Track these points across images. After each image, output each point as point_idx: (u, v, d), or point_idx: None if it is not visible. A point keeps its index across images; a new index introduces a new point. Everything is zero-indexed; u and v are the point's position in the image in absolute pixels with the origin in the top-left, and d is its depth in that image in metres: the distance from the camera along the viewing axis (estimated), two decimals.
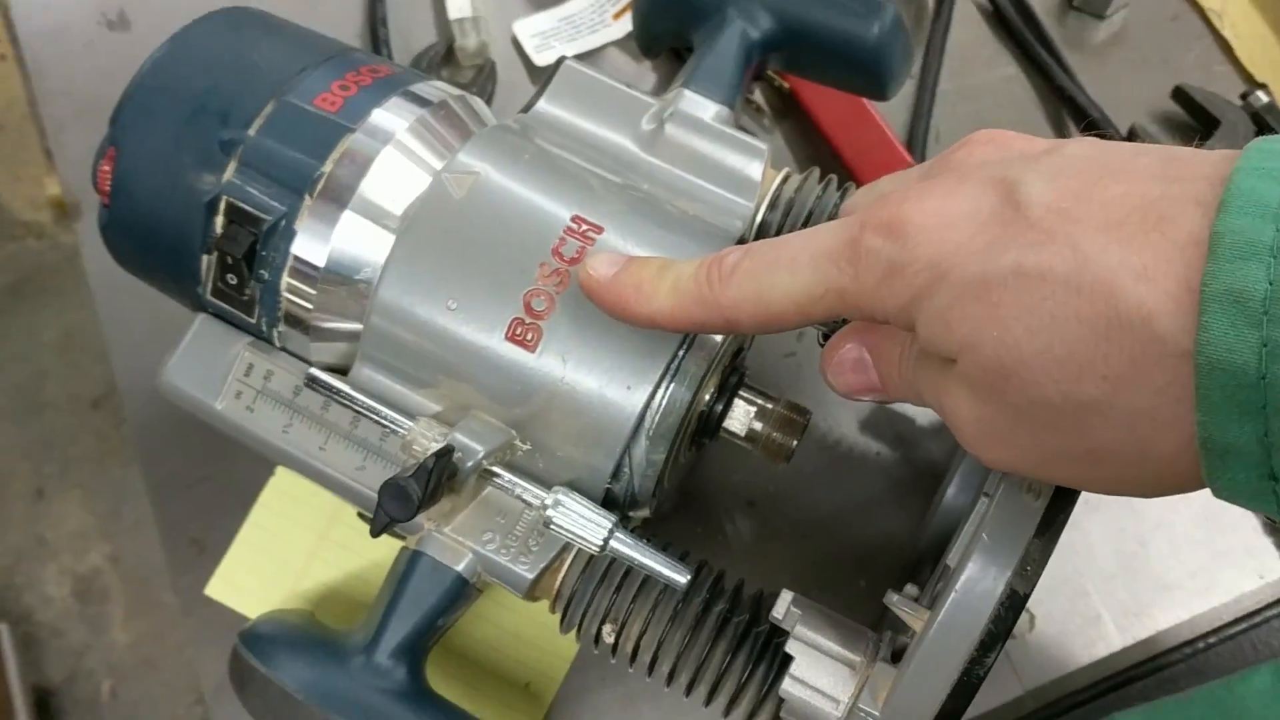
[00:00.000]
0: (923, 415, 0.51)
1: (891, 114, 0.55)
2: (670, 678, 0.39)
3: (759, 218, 0.42)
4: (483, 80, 0.57)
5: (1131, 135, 0.54)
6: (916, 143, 0.54)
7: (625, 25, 0.57)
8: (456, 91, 0.42)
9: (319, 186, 0.38)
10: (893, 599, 0.32)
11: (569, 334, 0.37)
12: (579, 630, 0.39)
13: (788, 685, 0.33)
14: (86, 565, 1.41)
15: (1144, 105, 0.56)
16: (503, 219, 0.38)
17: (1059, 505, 0.30)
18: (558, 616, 0.40)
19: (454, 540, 0.39)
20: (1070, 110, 0.56)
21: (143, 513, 1.39)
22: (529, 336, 0.37)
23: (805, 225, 0.42)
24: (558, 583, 0.39)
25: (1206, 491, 0.25)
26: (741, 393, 0.41)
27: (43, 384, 1.48)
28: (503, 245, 0.38)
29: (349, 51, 0.43)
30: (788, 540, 0.49)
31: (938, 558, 0.46)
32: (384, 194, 0.39)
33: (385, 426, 0.39)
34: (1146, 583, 0.48)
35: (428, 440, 0.37)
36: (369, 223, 0.38)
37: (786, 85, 0.55)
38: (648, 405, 0.37)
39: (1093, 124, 0.54)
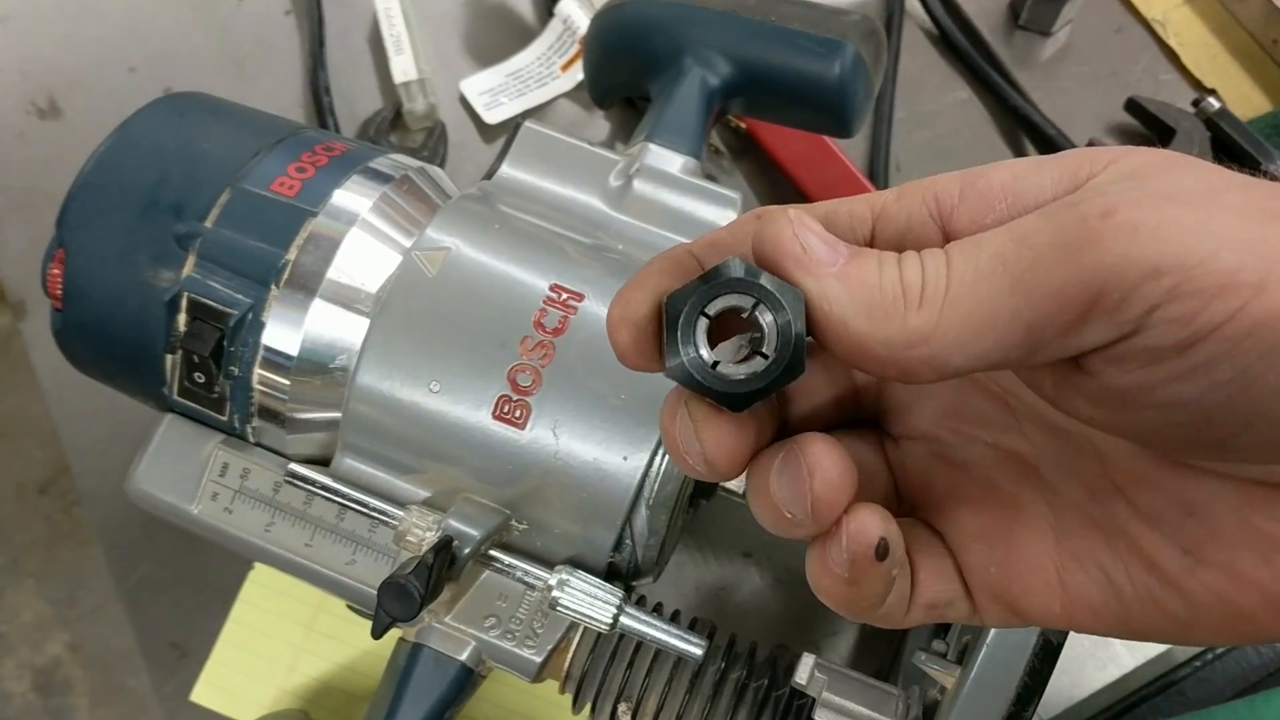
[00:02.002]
0: None
1: (850, 146, 0.54)
2: None
3: None
4: (434, 143, 0.55)
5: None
6: (878, 173, 0.54)
7: (574, 76, 0.56)
8: (415, 164, 0.41)
9: (285, 275, 0.37)
10: (921, 658, 0.32)
11: (559, 408, 0.36)
12: (592, 710, 0.38)
13: None
14: (46, 656, 1.36)
15: (1097, 118, 0.56)
16: (479, 294, 0.37)
17: None
18: (568, 697, 0.39)
19: (456, 629, 0.38)
20: (1025, 129, 0.56)
21: (101, 597, 1.35)
22: (517, 414, 0.36)
23: None
24: (566, 663, 0.38)
25: None
26: None
27: None
28: (482, 321, 0.37)
29: (300, 130, 0.41)
30: (787, 588, 0.48)
31: None
32: (354, 277, 0.37)
33: (374, 518, 0.37)
34: None
35: (422, 530, 0.36)
36: (341, 308, 0.37)
37: (744, 126, 0.54)
38: (646, 473, 0.36)
39: (1050, 142, 0.54)
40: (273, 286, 0.37)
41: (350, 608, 0.45)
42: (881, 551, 0.22)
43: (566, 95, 0.57)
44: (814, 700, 0.35)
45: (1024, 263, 0.20)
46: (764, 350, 0.21)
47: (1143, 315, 0.20)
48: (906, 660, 0.45)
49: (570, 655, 0.38)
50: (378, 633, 0.34)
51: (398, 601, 0.33)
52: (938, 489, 0.26)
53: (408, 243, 0.38)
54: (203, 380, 0.38)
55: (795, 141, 0.53)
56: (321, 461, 0.39)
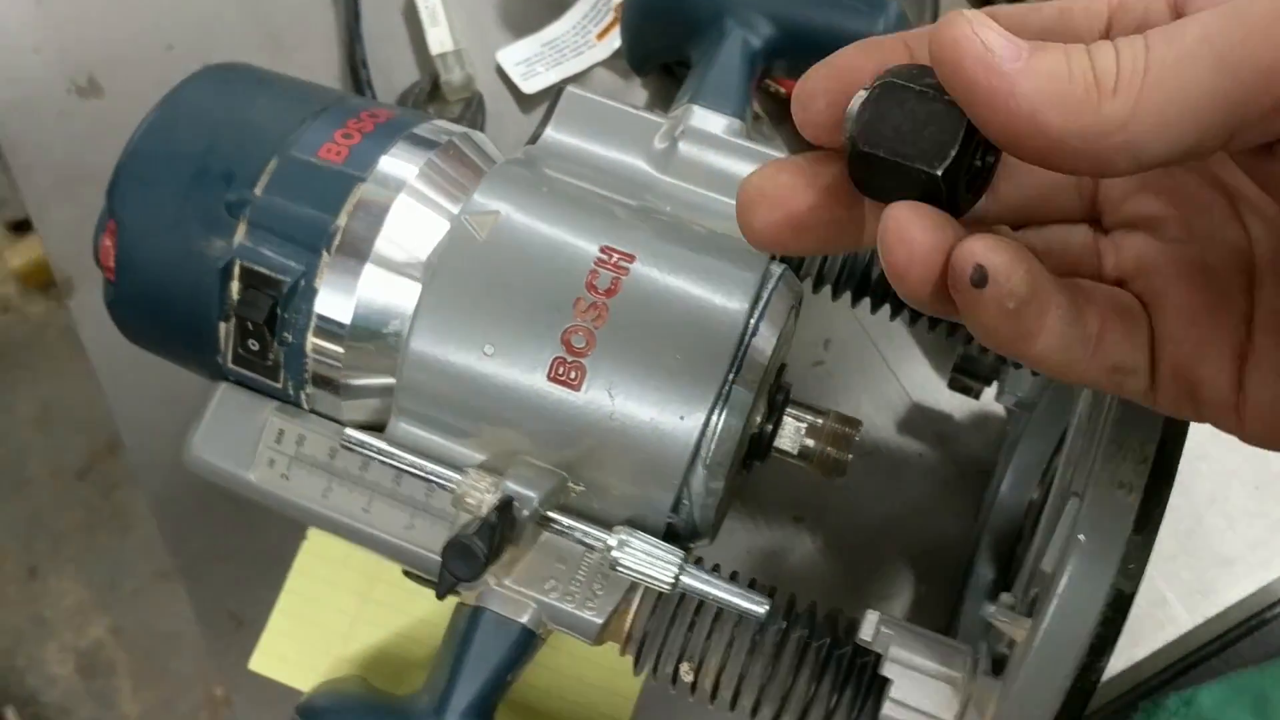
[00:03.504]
0: (959, 410, 0.50)
1: None
2: (754, 712, 0.37)
3: None
4: (471, 113, 0.55)
5: None
6: None
7: (610, 45, 0.56)
8: (459, 129, 0.41)
9: (336, 241, 0.37)
10: (990, 610, 0.31)
11: (614, 368, 0.36)
12: (654, 671, 0.38)
13: (889, 710, 0.32)
14: (88, 640, 1.38)
15: None
16: (530, 257, 0.37)
17: (1153, 499, 0.29)
18: (629, 659, 0.39)
19: (516, 592, 0.38)
20: None
21: (142, 580, 1.37)
22: (572, 375, 0.36)
23: None
24: (627, 625, 0.38)
25: (1258, 462, 0.24)
26: (789, 410, 0.40)
27: (24, 460, 1.44)
28: (534, 284, 0.36)
29: (345, 98, 0.41)
30: (839, 552, 0.48)
31: (1003, 556, 0.45)
32: (404, 242, 0.37)
33: (431, 482, 0.37)
34: (1207, 560, 0.47)
35: (480, 492, 0.36)
36: (392, 274, 0.37)
37: (783, 90, 0.54)
38: (703, 433, 0.36)
39: None
40: (324, 253, 0.37)
41: (406, 574, 0.45)
42: (977, 278, 0.22)
43: (602, 64, 0.56)
44: (878, 658, 0.35)
45: (1233, 40, 0.20)
46: None
47: None
48: (965, 620, 0.45)
49: (631, 617, 0.38)
50: (441, 593, 0.35)
51: (462, 561, 0.33)
52: (1149, 264, 0.26)
53: (455, 208, 0.38)
54: (257, 348, 0.38)
55: None
56: (376, 427, 0.39)
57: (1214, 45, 0.20)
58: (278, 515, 0.49)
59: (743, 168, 0.41)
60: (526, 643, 0.38)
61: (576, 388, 0.36)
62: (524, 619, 0.38)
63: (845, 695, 0.36)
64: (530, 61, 0.56)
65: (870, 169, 0.24)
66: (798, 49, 0.44)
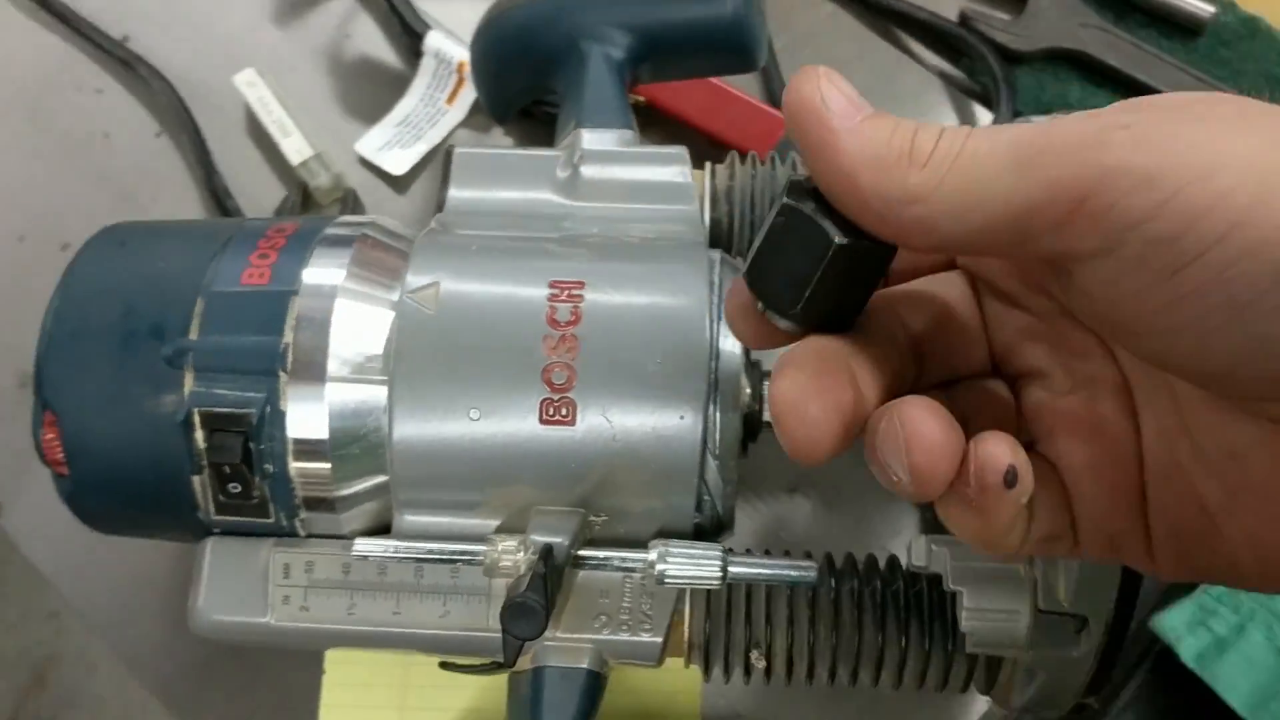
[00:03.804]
0: None
1: (742, 86, 0.56)
2: (832, 676, 0.38)
3: (707, 218, 0.42)
4: (349, 210, 0.55)
5: (964, 20, 0.57)
6: (779, 102, 0.56)
7: (463, 106, 0.56)
8: (365, 219, 0.41)
9: (289, 359, 0.36)
10: None
11: (602, 393, 0.36)
12: (725, 669, 0.38)
13: (968, 620, 0.33)
14: None
15: None
16: (486, 314, 0.37)
17: None
18: (698, 666, 0.39)
19: (570, 641, 0.37)
20: (899, 21, 0.58)
21: None
22: (564, 412, 0.36)
23: (758, 209, 0.42)
24: (686, 634, 0.38)
25: None
26: (767, 383, 0.41)
27: None
28: (498, 337, 0.36)
29: (243, 224, 0.41)
30: (840, 507, 0.49)
31: None
32: (357, 341, 0.37)
33: (456, 562, 0.37)
34: None
35: (513, 554, 0.36)
36: (355, 374, 0.36)
37: (641, 99, 0.55)
38: (706, 426, 0.36)
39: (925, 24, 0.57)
40: (281, 374, 0.36)
41: (444, 666, 0.44)
42: (1010, 479, 0.23)
43: (461, 126, 0.57)
44: (933, 581, 0.36)
45: (1034, 149, 0.21)
46: None
47: (1130, 227, 0.20)
48: None
49: (687, 625, 0.38)
50: (510, 659, 0.34)
51: (523, 621, 0.33)
52: (1049, 422, 0.27)
53: (392, 294, 0.38)
54: (239, 490, 0.37)
55: (694, 95, 0.54)
56: (381, 529, 0.38)
57: (1019, 151, 0.21)
58: (288, 658, 0.48)
59: (648, 171, 0.42)
60: (595, 686, 0.38)
61: (571, 423, 0.36)
62: (586, 664, 0.37)
63: (913, 628, 0.37)
64: (390, 144, 0.56)
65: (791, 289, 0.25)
66: (658, 49, 0.45)
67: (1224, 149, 0.20)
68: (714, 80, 0.54)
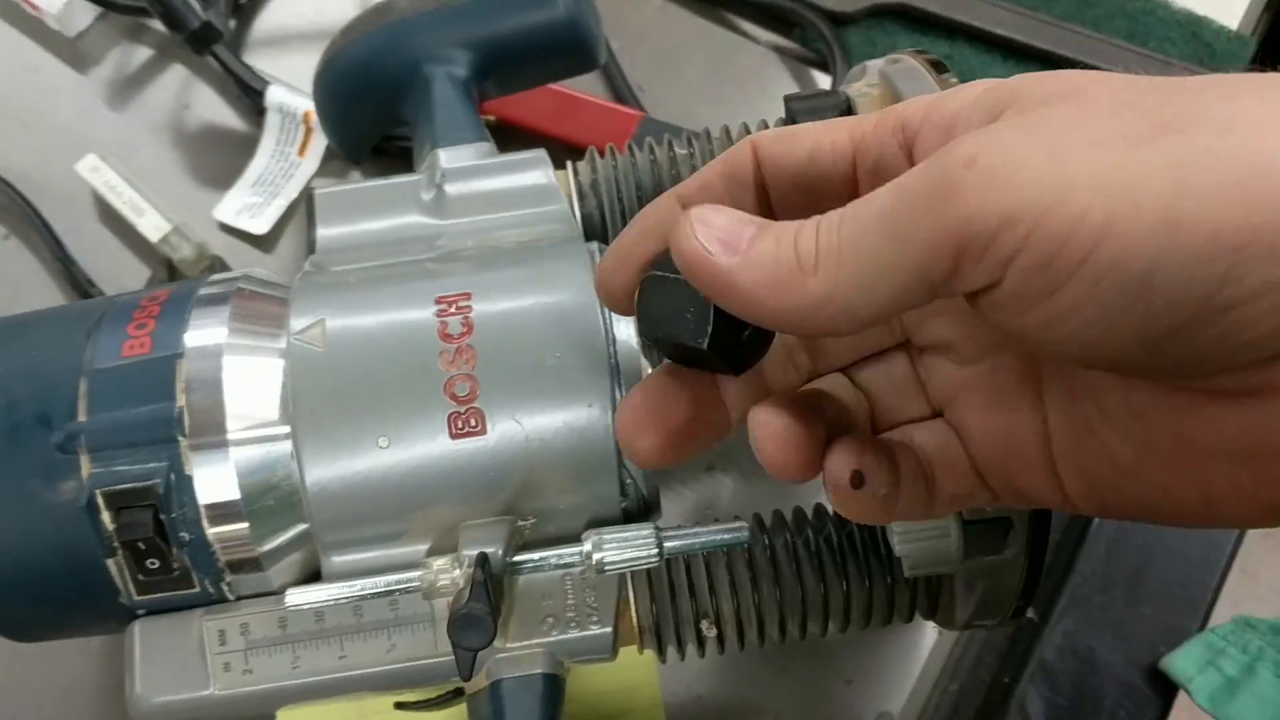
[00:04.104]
0: None
1: (587, 89, 0.57)
2: (783, 632, 0.39)
3: (578, 215, 0.43)
4: None
5: None
6: (628, 100, 0.57)
7: (315, 156, 0.56)
8: (237, 273, 0.40)
9: (186, 423, 0.36)
10: None
11: (506, 397, 0.36)
12: (679, 647, 0.39)
13: (900, 544, 0.34)
14: None
15: None
16: (376, 342, 0.37)
17: None
18: (650, 651, 0.39)
19: (521, 648, 0.37)
20: (727, 4, 0.60)
21: None
22: (473, 423, 0.36)
23: (625, 197, 0.42)
24: (634, 619, 0.38)
25: None
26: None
27: None
28: (393, 362, 0.36)
29: (113, 300, 0.40)
30: (761, 480, 0.50)
31: None
32: (252, 394, 0.36)
33: (393, 594, 0.36)
34: None
35: (448, 572, 0.36)
36: (256, 427, 0.36)
37: (492, 118, 0.55)
38: (615, 411, 0.37)
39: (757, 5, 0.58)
40: (180, 439, 0.35)
41: (401, 708, 0.44)
42: (856, 482, 0.26)
43: (317, 174, 0.56)
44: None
45: (900, 215, 0.22)
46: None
47: (1004, 263, 0.21)
48: None
49: (634, 610, 0.38)
50: (466, 673, 0.34)
51: (472, 631, 0.33)
52: (953, 391, 0.29)
53: (279, 343, 0.37)
54: (157, 565, 0.36)
55: (542, 104, 0.54)
56: (312, 576, 0.37)
57: (888, 220, 0.22)
58: None
59: (512, 179, 0.42)
60: (554, 689, 0.38)
61: (482, 432, 0.36)
62: (542, 669, 0.37)
63: (850, 568, 0.38)
64: (248, 206, 0.55)
65: (663, 351, 0.28)
66: (500, 61, 0.46)
67: (1071, 169, 0.20)
68: (559, 87, 0.55)
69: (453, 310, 0.37)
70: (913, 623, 0.43)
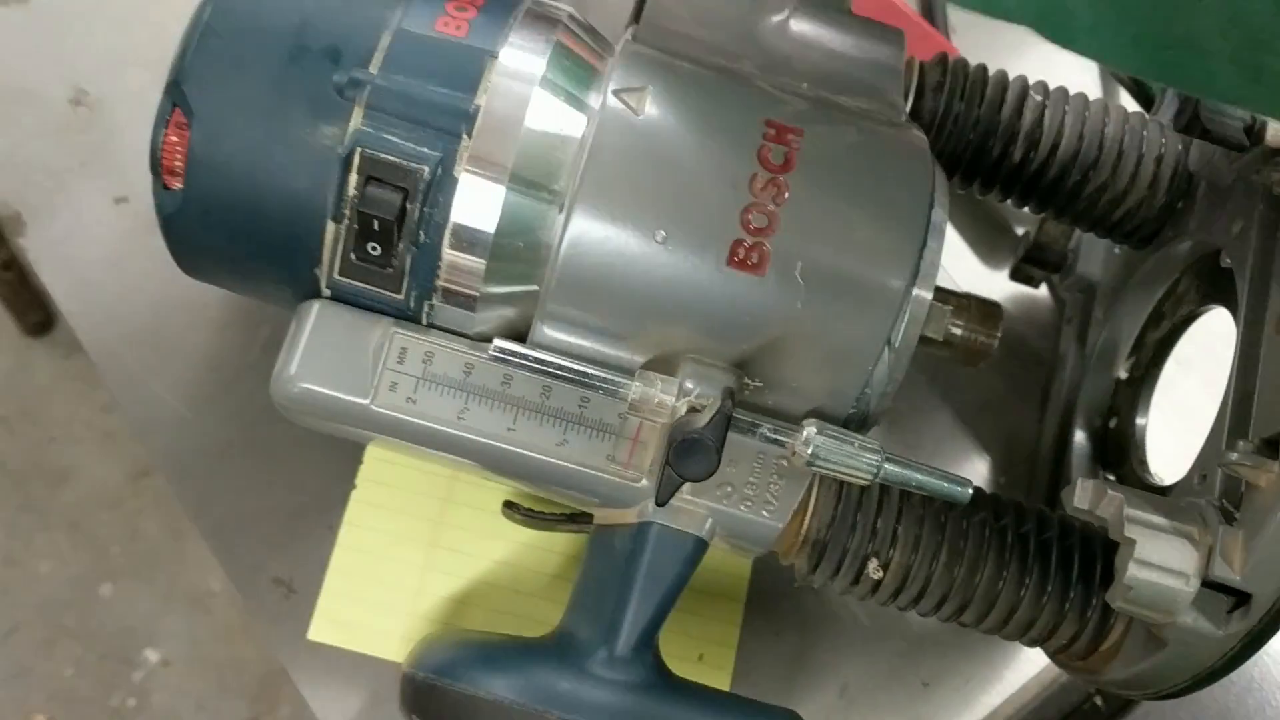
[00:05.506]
0: (1010, 302, 0.50)
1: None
2: (937, 607, 0.36)
3: (908, 107, 0.39)
4: None
5: None
6: (941, 32, 0.54)
7: None
8: (564, 8, 0.37)
9: (477, 123, 0.32)
10: (1231, 458, 0.31)
11: (799, 249, 0.33)
12: (835, 571, 0.36)
13: (1133, 571, 0.31)
14: None
15: None
16: (696, 135, 0.34)
17: None
18: (802, 564, 0.36)
19: (688, 501, 0.35)
20: None
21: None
22: (754, 259, 0.33)
23: (960, 118, 0.39)
24: (802, 527, 0.36)
25: None
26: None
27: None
28: (704, 163, 0.33)
29: None
30: (917, 452, 0.47)
31: (1097, 432, 0.45)
32: (554, 121, 0.33)
33: (597, 389, 0.34)
34: None
35: (667, 396, 0.33)
36: (539, 166, 0.33)
37: None
38: (899, 314, 0.34)
39: None
40: (464, 136, 0.32)
41: (508, 512, 0.41)
42: None
43: None
44: (1084, 530, 0.34)
45: None
46: None
47: None
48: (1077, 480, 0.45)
49: (808, 518, 0.36)
50: (664, 498, 0.31)
51: (696, 459, 0.30)
52: None
53: (588, 92, 0.34)
54: (378, 253, 0.33)
55: (867, 4, 0.51)
56: (508, 338, 0.34)
57: None
58: (312, 464, 0.44)
59: (861, 46, 0.39)
60: (697, 557, 0.35)
61: (760, 272, 0.33)
62: (700, 530, 0.35)
63: (1035, 572, 0.36)
64: None
65: None
66: None
67: None
68: None
69: (780, 139, 0.34)
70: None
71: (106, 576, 1.17)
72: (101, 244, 0.45)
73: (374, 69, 0.33)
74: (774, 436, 0.34)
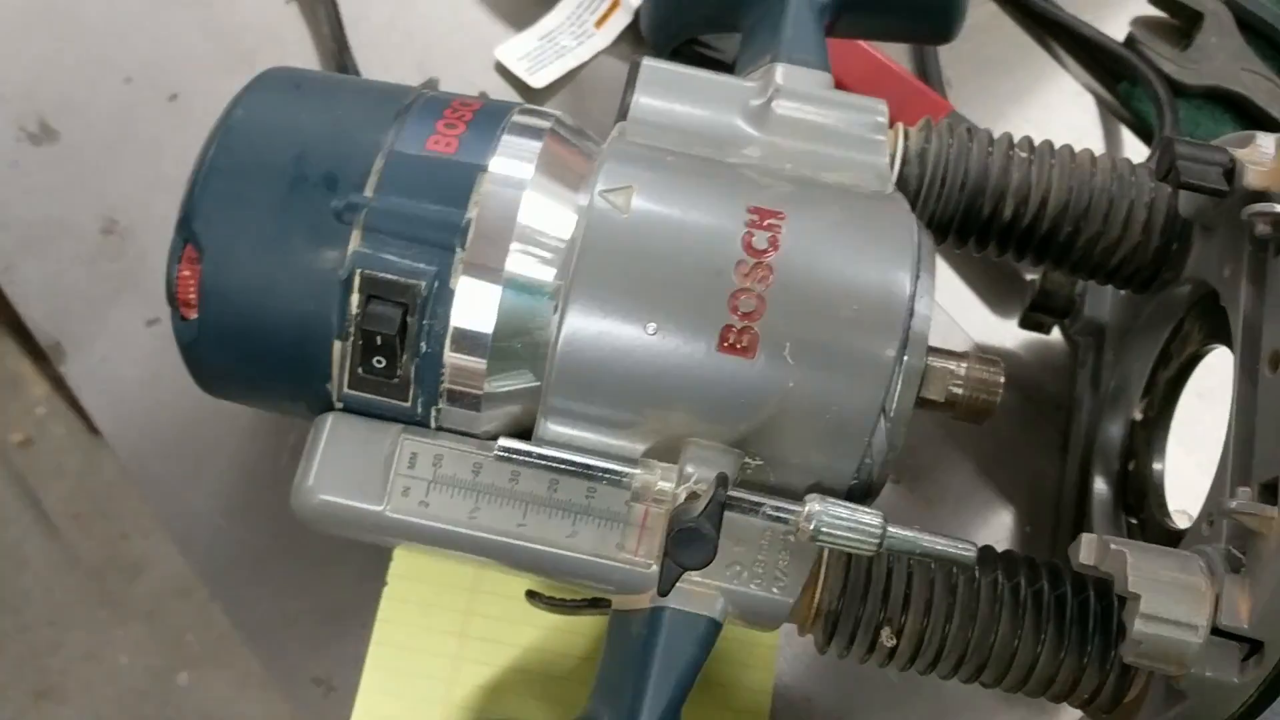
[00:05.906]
0: (1023, 349, 0.51)
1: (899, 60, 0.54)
2: (955, 670, 0.36)
3: (894, 174, 0.40)
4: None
5: (1129, 42, 0.56)
6: (936, 89, 0.54)
7: (610, 33, 0.54)
8: (550, 113, 0.39)
9: (470, 235, 0.34)
10: (1232, 505, 0.31)
11: (788, 329, 0.34)
12: (849, 643, 0.36)
13: (1140, 625, 0.32)
14: None
15: (1127, 13, 0.57)
16: (681, 227, 0.35)
17: None
18: (818, 636, 0.37)
19: (698, 584, 0.35)
20: (1059, 33, 0.57)
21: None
22: (743, 343, 0.34)
23: (948, 180, 0.40)
24: (814, 601, 0.36)
25: None
26: (929, 357, 0.39)
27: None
28: (690, 253, 0.34)
29: (421, 92, 0.38)
30: (941, 506, 0.48)
31: (1116, 476, 0.46)
32: (544, 228, 0.35)
33: (600, 480, 0.35)
34: None
35: (669, 482, 0.34)
36: (532, 269, 0.34)
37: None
38: (890, 386, 0.34)
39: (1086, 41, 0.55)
40: (457, 250, 0.34)
41: (531, 600, 0.42)
42: None
43: (605, 52, 0.54)
44: (1095, 585, 0.35)
45: None
46: None
47: None
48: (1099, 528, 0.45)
49: (819, 591, 0.36)
50: (666, 588, 0.32)
51: (693, 548, 0.31)
52: None
53: (575, 193, 0.36)
54: (382, 365, 0.35)
55: (854, 62, 0.52)
56: (515, 435, 0.36)
57: None
58: (347, 565, 0.45)
59: (844, 119, 0.39)
60: (711, 638, 0.36)
61: (750, 355, 0.34)
62: (712, 612, 0.35)
63: (1050, 630, 0.36)
64: (531, 56, 0.53)
65: None
66: (867, 1, 0.43)
67: None
68: (876, 52, 0.52)
69: (763, 224, 0.35)
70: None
71: (183, 665, 1.20)
72: (136, 364, 0.48)
73: (369, 192, 0.34)
74: (776, 515, 0.34)
